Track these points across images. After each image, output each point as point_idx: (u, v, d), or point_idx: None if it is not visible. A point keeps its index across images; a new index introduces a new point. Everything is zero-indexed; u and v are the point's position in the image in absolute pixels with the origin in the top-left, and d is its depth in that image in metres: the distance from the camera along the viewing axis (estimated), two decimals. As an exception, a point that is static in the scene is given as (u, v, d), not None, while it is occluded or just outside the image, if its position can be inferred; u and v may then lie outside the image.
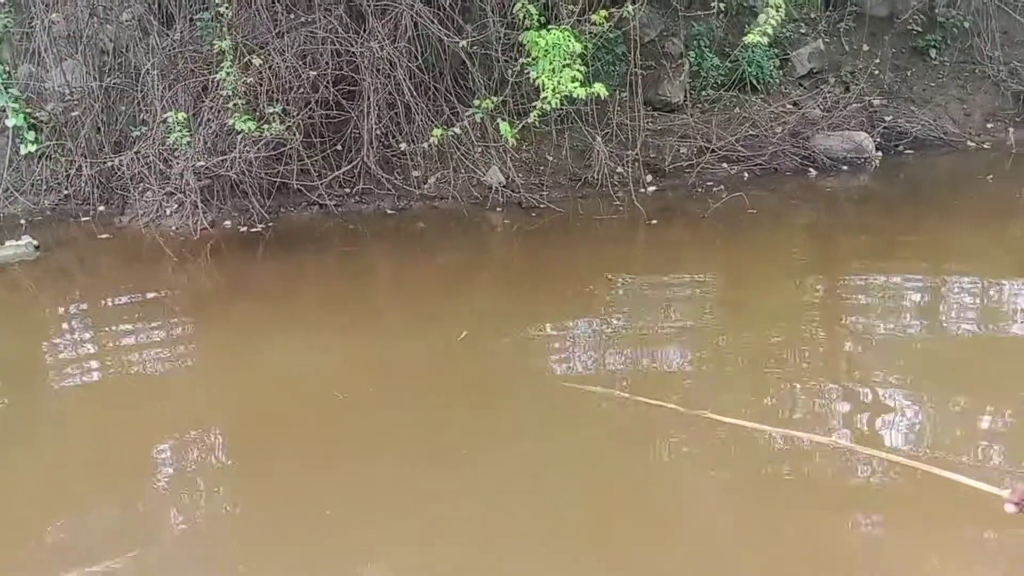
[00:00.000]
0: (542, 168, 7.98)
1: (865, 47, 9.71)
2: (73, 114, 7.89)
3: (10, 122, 7.52)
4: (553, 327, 5.20)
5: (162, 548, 3.28)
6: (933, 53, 9.81)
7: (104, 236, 7.15)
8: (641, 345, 4.91)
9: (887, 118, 9.08)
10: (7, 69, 7.90)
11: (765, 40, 6.68)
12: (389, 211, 7.50)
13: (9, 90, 7.60)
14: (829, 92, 9.23)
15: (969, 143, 9.03)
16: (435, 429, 3.99)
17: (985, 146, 9.00)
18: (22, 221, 7.50)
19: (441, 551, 3.17)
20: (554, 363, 4.76)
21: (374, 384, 4.47)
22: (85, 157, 7.75)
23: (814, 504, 3.32)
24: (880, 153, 8.57)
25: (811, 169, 8.25)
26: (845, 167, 8.34)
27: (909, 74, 9.75)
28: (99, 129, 7.87)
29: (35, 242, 6.83)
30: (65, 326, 5.74)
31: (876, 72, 9.52)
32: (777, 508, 3.32)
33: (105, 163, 7.66)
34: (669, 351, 4.86)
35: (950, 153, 8.87)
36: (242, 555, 3.20)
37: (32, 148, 7.61)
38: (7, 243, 6.79)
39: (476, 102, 7.39)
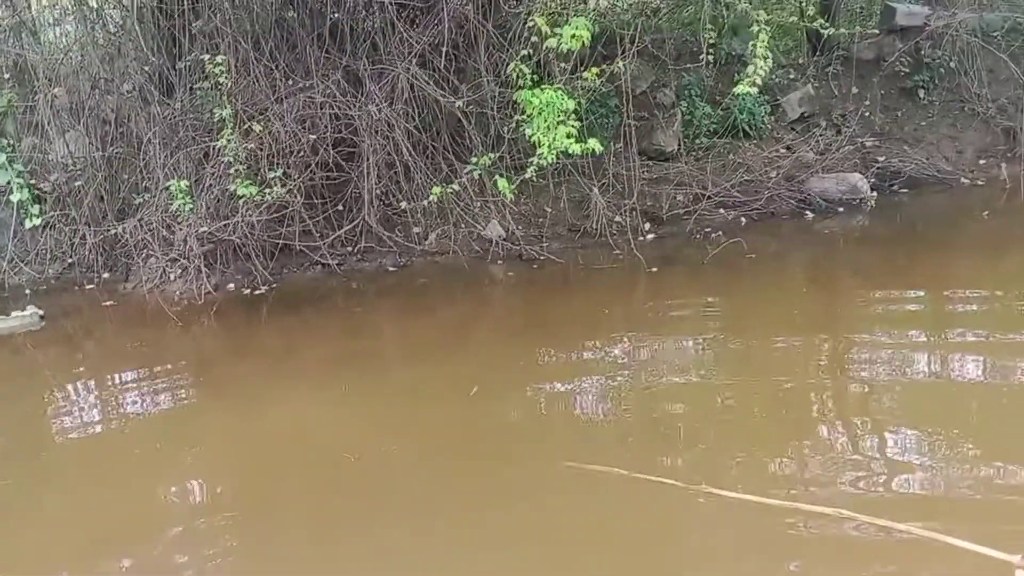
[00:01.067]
0: (541, 220, 8.06)
1: (854, 90, 9.87)
2: (76, 184, 8.02)
3: (15, 197, 7.64)
4: (554, 385, 5.18)
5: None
6: (922, 93, 9.97)
7: (108, 303, 7.21)
8: (643, 405, 4.85)
9: (880, 158, 9.19)
10: (11, 143, 8.05)
11: (755, 90, 6.81)
12: (391, 268, 7.56)
13: (14, 165, 7.73)
14: (821, 135, 9.36)
15: (963, 180, 9.11)
16: (441, 498, 3.94)
17: (979, 182, 9.07)
18: (27, 291, 7.58)
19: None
20: (555, 431, 4.65)
21: (378, 444, 4.46)
22: (89, 226, 7.85)
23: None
24: (875, 193, 8.64)
25: (807, 212, 8.32)
26: (841, 208, 8.41)
27: (899, 114, 9.89)
28: (102, 198, 7.98)
29: (40, 311, 6.88)
30: (70, 395, 5.75)
31: (867, 114, 9.66)
32: None
33: (109, 231, 7.76)
34: (672, 412, 4.71)
35: (944, 191, 8.94)
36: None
37: (36, 222, 7.72)
38: (13, 313, 6.84)
39: (474, 159, 7.51)
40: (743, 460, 4.05)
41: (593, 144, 6.29)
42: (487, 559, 3.48)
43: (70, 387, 5.86)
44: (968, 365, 5.02)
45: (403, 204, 7.64)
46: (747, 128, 9.10)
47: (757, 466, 4.00)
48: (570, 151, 6.28)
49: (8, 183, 7.60)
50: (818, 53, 10.14)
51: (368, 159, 7.39)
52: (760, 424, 4.44)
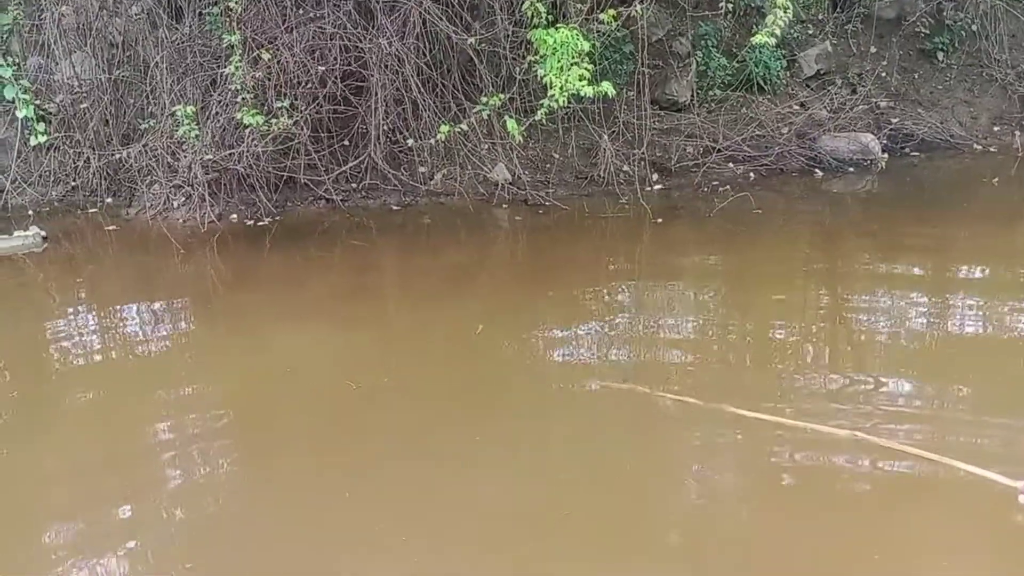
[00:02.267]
0: (548, 166, 8.00)
1: (872, 49, 9.72)
2: (82, 106, 7.93)
3: (20, 113, 7.54)
4: (561, 324, 5.21)
5: (165, 540, 3.29)
6: (940, 56, 9.81)
7: (111, 228, 7.18)
8: (650, 343, 4.94)
9: (894, 120, 9.09)
10: (17, 61, 7.93)
11: (772, 41, 6.68)
12: (395, 207, 7.52)
13: (19, 82, 7.63)
14: (836, 94, 9.24)
15: (975, 146, 9.03)
16: (447, 422, 4.01)
17: (991, 149, 8.99)
18: (30, 212, 7.54)
19: (451, 541, 3.18)
20: (566, 359, 4.77)
21: (378, 375, 4.48)
22: (93, 149, 7.79)
23: (832, 496, 3.35)
24: (886, 155, 8.57)
25: (817, 170, 8.26)
26: (851, 168, 8.35)
27: (916, 76, 9.75)
28: (107, 121, 7.90)
29: (43, 233, 6.87)
30: (71, 316, 5.75)
31: (883, 74, 9.52)
32: (795, 501, 3.35)
33: (113, 155, 7.70)
34: (678, 349, 4.88)
35: (956, 156, 8.87)
36: (248, 548, 3.22)
37: (41, 139, 7.64)
38: (15, 233, 6.82)
39: (483, 99, 7.40)
40: (742, 391, 4.13)
41: (606, 87, 6.20)
42: (483, 476, 3.55)
43: (71, 310, 5.86)
44: (967, 323, 5.06)
45: (410, 142, 7.56)
46: (762, 82, 8.97)
47: (768, 395, 4.12)
48: (582, 93, 6.18)
49: (13, 99, 7.50)
50: (838, 9, 9.96)
51: (376, 94, 7.29)
52: (759, 367, 4.53)
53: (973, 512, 3.18)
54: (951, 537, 3.12)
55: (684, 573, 3.02)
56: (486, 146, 7.80)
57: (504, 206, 7.50)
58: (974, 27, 9.70)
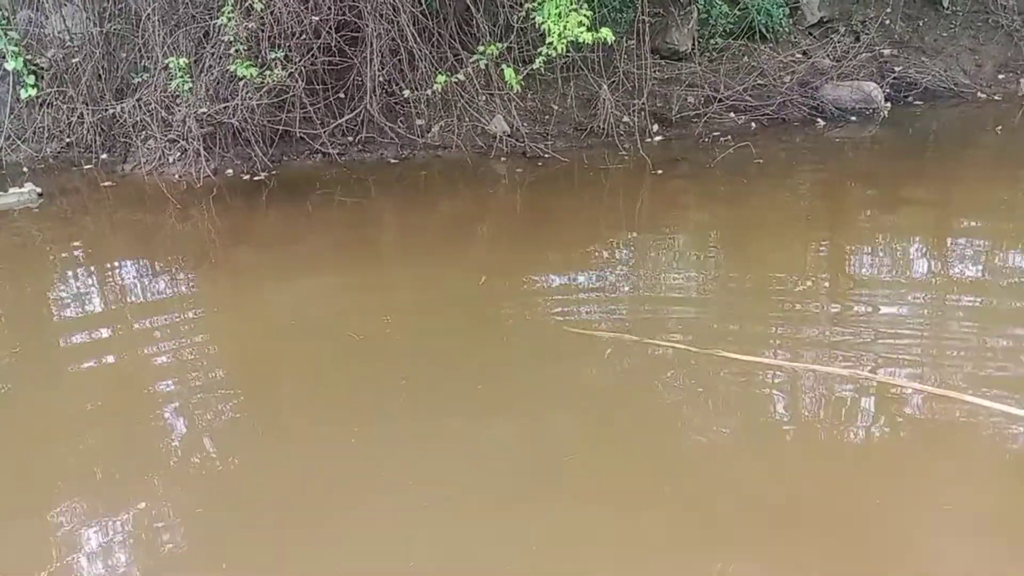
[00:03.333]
0: (547, 117, 7.90)
1: (877, -5, 9.53)
2: (74, 60, 7.81)
3: (9, 66, 7.44)
4: (560, 275, 5.20)
5: (167, 498, 3.30)
6: (946, 2, 9.63)
7: (107, 184, 7.13)
8: (648, 293, 4.93)
9: (897, 68, 8.95)
10: (6, 14, 7.80)
11: (775, -15, 6.54)
12: (392, 160, 7.45)
13: (8, 34, 7.50)
14: (839, 41, 9.09)
15: (980, 94, 8.90)
16: (446, 373, 4.02)
17: (996, 97, 8.87)
18: (24, 169, 7.48)
19: (454, 486, 3.20)
20: (562, 309, 4.75)
21: (382, 328, 4.48)
22: (86, 104, 7.70)
23: (837, 437, 3.37)
24: (889, 104, 8.46)
25: (819, 119, 8.16)
26: (854, 117, 8.25)
27: (921, 24, 9.58)
28: (100, 76, 7.79)
29: (38, 189, 6.82)
30: (68, 273, 5.73)
31: (887, 21, 9.36)
32: (795, 444, 3.36)
33: (107, 110, 7.61)
34: (675, 299, 4.87)
35: (960, 104, 8.75)
36: (255, 498, 3.24)
37: (32, 92, 7.55)
38: (10, 190, 6.78)
39: (480, 48, 7.29)
40: (745, 333, 4.19)
41: (605, 33, 6.09)
42: (486, 423, 3.57)
43: (68, 267, 5.84)
44: (967, 271, 5.05)
45: (406, 93, 7.45)
46: (764, 30, 8.82)
47: (761, 337, 4.17)
48: (581, 40, 6.08)
49: (2, 52, 7.39)
50: (843, -45, 9.74)
51: (371, 44, 7.17)
52: (758, 316, 4.50)
53: (980, 443, 3.20)
54: (957, 471, 3.14)
55: (687, 516, 3.04)
56: (484, 97, 7.70)
57: (503, 158, 7.43)
58: (981, -28, 9.51)
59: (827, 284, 4.88)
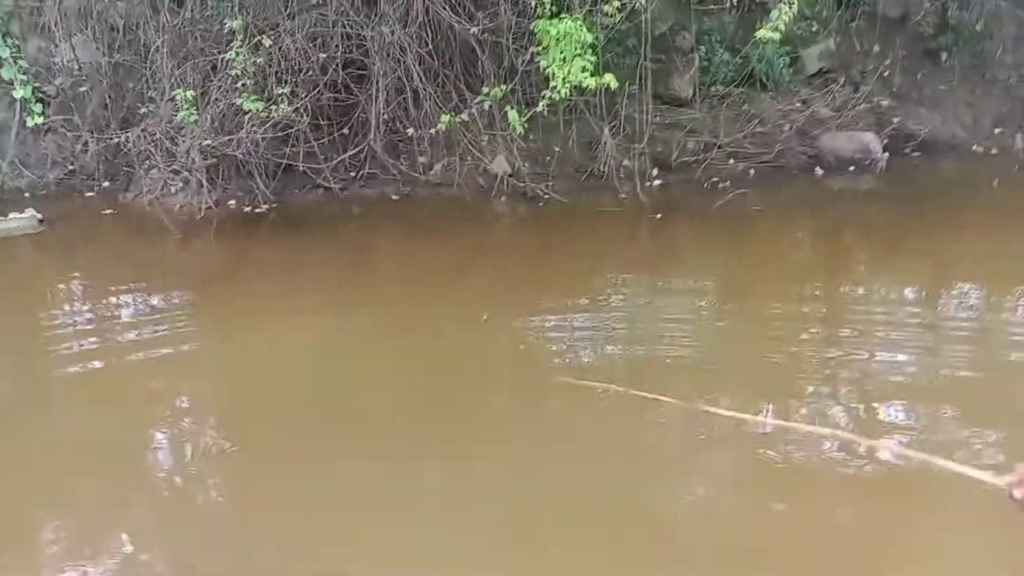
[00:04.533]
0: (548, 159, 7.97)
1: (876, 48, 9.68)
2: (81, 89, 7.90)
3: (17, 94, 7.52)
4: (554, 319, 5.18)
5: (155, 532, 3.26)
6: (944, 56, 9.78)
7: (108, 212, 7.15)
8: (640, 340, 4.90)
9: (895, 120, 9.06)
10: (16, 43, 7.90)
11: (777, 36, 6.67)
12: (394, 196, 7.49)
13: (18, 62, 7.59)
14: (838, 92, 9.21)
15: (977, 148, 9.01)
16: (441, 409, 4.00)
17: (993, 151, 8.98)
18: (27, 194, 7.52)
19: (442, 525, 3.17)
20: (553, 355, 4.72)
21: (375, 365, 4.47)
22: (92, 133, 7.77)
23: (811, 496, 3.32)
24: (887, 154, 8.55)
25: (818, 168, 8.24)
26: (852, 167, 8.33)
27: (919, 76, 9.72)
28: (106, 105, 7.88)
29: (39, 215, 6.84)
30: (66, 300, 5.73)
31: (886, 73, 9.49)
32: (774, 500, 3.32)
33: (111, 139, 7.67)
34: (668, 347, 4.81)
35: (957, 157, 8.85)
36: (245, 534, 3.20)
37: (39, 119, 7.62)
38: (11, 215, 6.79)
39: (485, 90, 7.38)
40: (735, 387, 4.14)
41: (609, 79, 6.18)
42: (478, 466, 3.54)
43: (65, 293, 5.84)
44: (962, 328, 5.01)
45: (410, 131, 7.53)
46: (764, 79, 8.94)
47: (748, 393, 4.10)
48: (585, 85, 6.16)
49: (11, 81, 7.46)
50: (842, 7, 9.90)
51: (377, 82, 7.26)
52: (751, 362, 4.49)
53: (961, 511, 3.16)
54: (938, 536, 3.11)
55: (676, 567, 3.01)
56: (486, 137, 7.77)
57: (503, 198, 7.48)
58: (978, 27, 9.68)
59: (822, 337, 4.86)
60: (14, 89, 7.58)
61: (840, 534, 3.14)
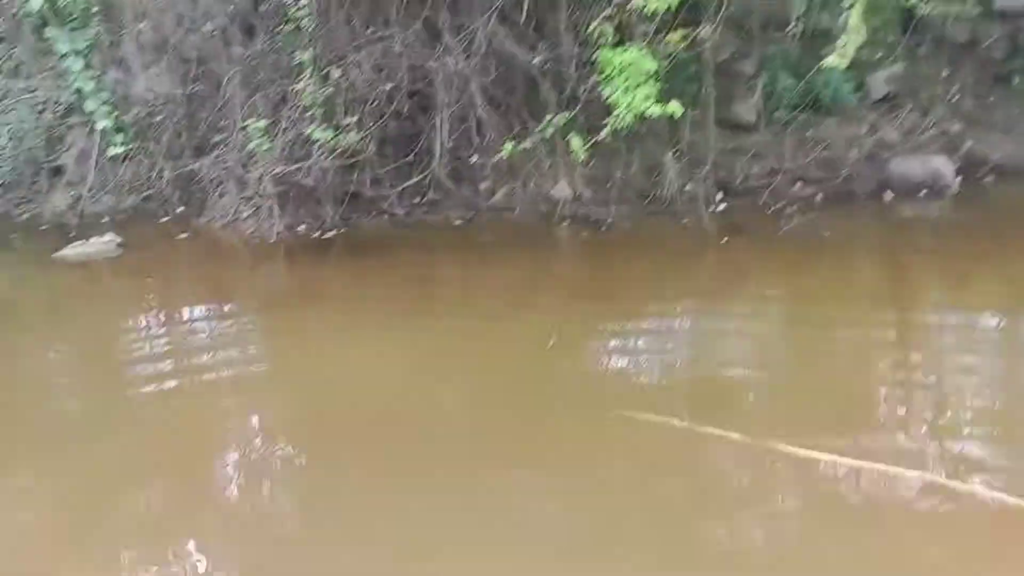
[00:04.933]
0: (610, 184, 7.96)
1: (944, 73, 9.48)
2: (157, 119, 8.21)
3: (100, 125, 7.83)
4: (618, 346, 5.17)
5: (225, 547, 3.34)
6: (1016, 80, 9.52)
7: (182, 236, 7.39)
8: (706, 371, 4.82)
9: (967, 144, 8.83)
10: (97, 75, 8.24)
11: (844, 63, 6.57)
12: (457, 222, 7.58)
13: (100, 93, 7.92)
14: (906, 117, 9.03)
15: (1053, 172, 8.72)
16: (499, 436, 4.01)
17: (1070, 176, 8.68)
18: (105, 219, 7.81)
19: (501, 554, 3.16)
20: (617, 382, 4.69)
21: (437, 388, 4.49)
22: (167, 160, 8.06)
23: (889, 534, 3.21)
24: (959, 179, 8.33)
25: (887, 193, 8.07)
26: (922, 192, 8.12)
27: (990, 101, 9.47)
28: (180, 134, 8.17)
29: (118, 239, 7.10)
30: (142, 324, 5.92)
31: (955, 98, 9.27)
32: (847, 541, 3.19)
33: (186, 166, 7.95)
34: (734, 379, 4.72)
35: (1032, 182, 8.58)
36: (312, 558, 3.24)
37: (120, 149, 7.93)
38: (91, 239, 7.06)
39: (548, 117, 7.42)
40: (803, 419, 4.00)
41: (674, 107, 6.17)
42: (539, 494, 3.52)
43: (143, 316, 6.04)
44: None
45: (474, 159, 7.62)
46: (829, 104, 8.82)
47: (820, 426, 3.93)
48: (649, 113, 6.16)
49: (93, 111, 7.79)
50: (909, 32, 9.74)
51: (442, 112, 7.38)
52: (821, 390, 4.38)
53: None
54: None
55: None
56: (548, 163, 7.81)
57: (565, 223, 7.50)
58: (1052, 51, 9.42)
59: (894, 370, 4.71)
60: (96, 120, 7.89)
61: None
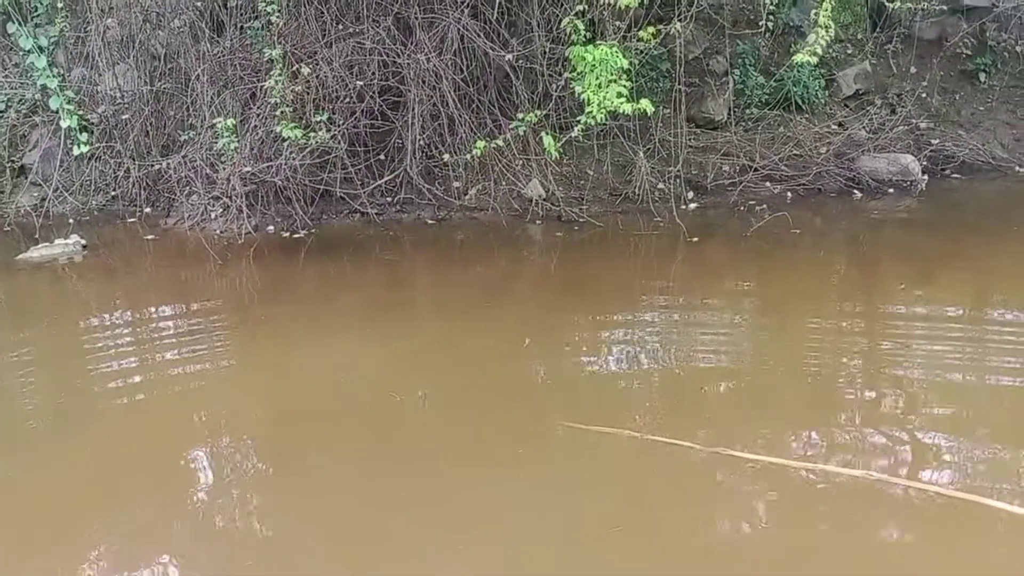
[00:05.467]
0: (582, 183, 7.98)
1: (913, 69, 9.60)
2: (123, 117, 8.06)
3: (64, 123, 7.69)
4: (591, 346, 5.16)
5: (195, 548, 3.29)
6: (983, 77, 9.68)
7: (150, 237, 7.28)
8: (674, 372, 4.83)
9: (934, 141, 8.95)
10: (62, 72, 8.10)
11: (814, 60, 6.62)
12: (429, 221, 7.54)
13: (64, 92, 7.77)
14: (875, 114, 9.13)
15: (1018, 168, 8.87)
16: (473, 437, 3.99)
17: (1034, 172, 8.83)
18: (70, 220, 7.67)
19: (478, 553, 3.15)
20: (578, 391, 4.65)
21: (415, 390, 4.46)
22: (133, 160, 7.92)
23: (847, 540, 3.19)
24: (926, 176, 8.44)
25: (856, 191, 8.15)
26: (891, 190, 8.23)
27: (957, 97, 9.62)
28: (148, 132, 8.03)
29: (83, 241, 6.97)
30: (108, 325, 5.82)
31: (923, 95, 9.40)
32: (803, 544, 3.21)
33: (153, 166, 7.82)
34: (700, 381, 4.65)
35: (998, 178, 8.72)
36: (280, 558, 3.21)
37: (84, 149, 7.79)
38: (56, 241, 6.93)
39: (520, 115, 7.42)
40: (765, 426, 4.00)
41: (644, 105, 6.18)
42: (512, 495, 3.49)
43: (109, 318, 5.93)
44: (1005, 358, 4.87)
45: (446, 157, 7.58)
46: (799, 101, 8.90)
47: (782, 432, 3.96)
48: (620, 110, 6.17)
49: (57, 110, 7.65)
50: (878, 29, 9.85)
51: (413, 109, 7.33)
52: (786, 396, 4.40)
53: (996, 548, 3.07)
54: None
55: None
56: (521, 162, 7.80)
57: (538, 222, 7.49)
58: (1018, 48, 9.57)
59: (861, 372, 4.74)
60: (61, 119, 7.75)
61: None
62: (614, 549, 3.17)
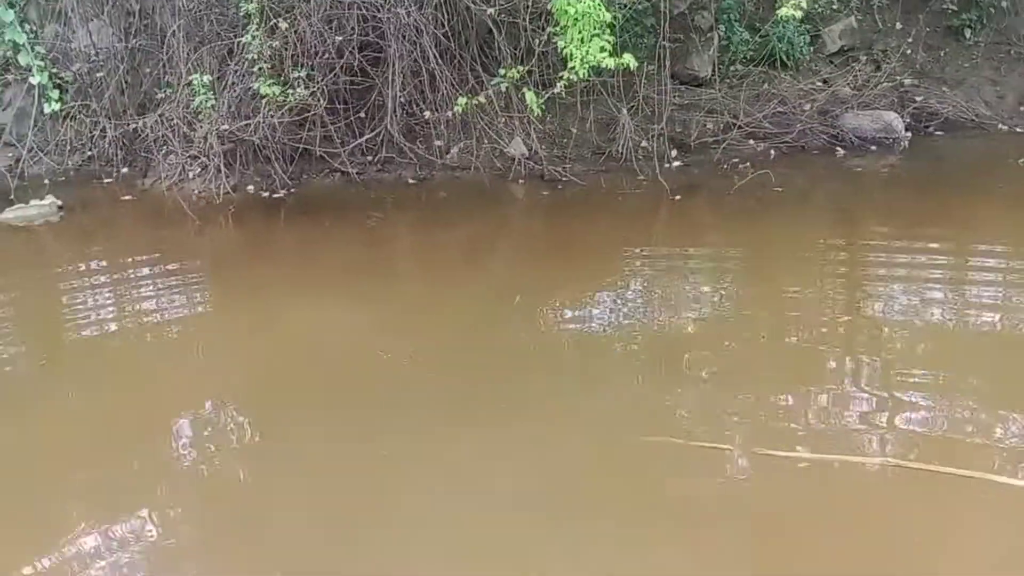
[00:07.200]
0: (566, 140, 7.91)
1: (898, 25, 9.53)
2: (98, 75, 7.90)
3: (35, 80, 7.53)
4: (574, 303, 5.16)
5: (175, 514, 3.28)
6: (968, 33, 9.61)
7: (127, 198, 7.18)
8: (660, 328, 4.86)
9: (918, 98, 8.92)
10: (34, 29, 7.91)
11: (799, 14, 6.56)
12: (411, 180, 7.46)
13: (35, 48, 7.60)
14: (860, 70, 9.07)
15: (1001, 126, 8.86)
16: (461, 395, 3.99)
17: (1017, 129, 8.82)
18: (46, 181, 7.54)
19: (470, 507, 3.17)
20: (577, 339, 4.70)
21: (393, 350, 4.45)
22: (109, 119, 7.77)
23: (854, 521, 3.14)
24: (910, 133, 8.42)
25: (839, 148, 8.13)
26: (874, 147, 8.21)
27: (942, 54, 9.56)
28: (123, 91, 7.88)
29: (59, 202, 6.87)
30: (86, 286, 5.75)
31: (908, 51, 9.34)
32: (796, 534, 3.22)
33: (129, 125, 7.68)
34: (685, 335, 4.69)
35: (981, 135, 8.71)
36: (265, 516, 3.21)
37: (56, 107, 7.63)
38: (31, 202, 6.83)
39: (502, 71, 7.32)
40: (743, 399, 3.96)
41: (628, 59, 6.10)
42: (502, 447, 3.52)
43: (87, 280, 5.87)
44: (984, 314, 4.90)
45: (427, 114, 7.49)
46: (784, 58, 8.82)
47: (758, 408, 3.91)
48: (603, 65, 6.09)
49: (28, 66, 7.48)
50: (864, -16, 9.75)
51: (394, 65, 7.21)
52: (768, 351, 4.42)
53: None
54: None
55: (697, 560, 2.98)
56: (503, 120, 7.71)
57: (521, 181, 7.43)
58: (1003, 3, 9.50)
59: (843, 322, 4.76)
60: (31, 75, 7.58)
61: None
62: (597, 502, 3.20)
